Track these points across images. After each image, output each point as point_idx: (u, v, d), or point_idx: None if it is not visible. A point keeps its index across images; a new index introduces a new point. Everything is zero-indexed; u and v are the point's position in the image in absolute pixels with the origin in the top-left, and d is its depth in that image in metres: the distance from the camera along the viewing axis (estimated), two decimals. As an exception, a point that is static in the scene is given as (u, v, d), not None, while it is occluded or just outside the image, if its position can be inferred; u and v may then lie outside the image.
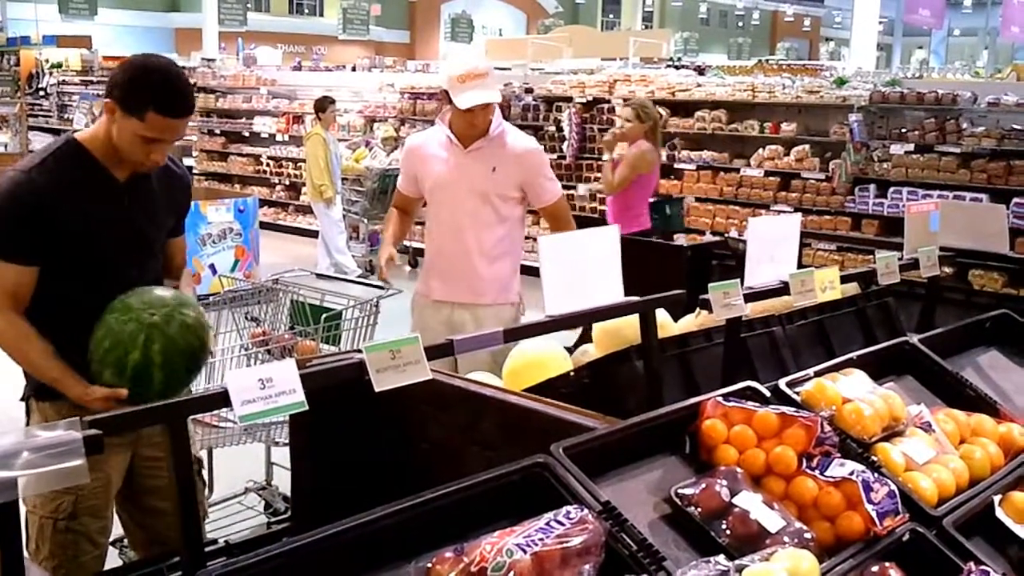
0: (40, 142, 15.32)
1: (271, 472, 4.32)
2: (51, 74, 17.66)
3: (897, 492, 1.89)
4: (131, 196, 2.64)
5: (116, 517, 2.89)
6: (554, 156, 10.45)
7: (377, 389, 1.86)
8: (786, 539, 1.72)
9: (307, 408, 1.79)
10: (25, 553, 1.58)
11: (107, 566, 2.76)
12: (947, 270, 3.94)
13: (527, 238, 11.27)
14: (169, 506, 2.69)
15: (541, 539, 1.51)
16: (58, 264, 2.54)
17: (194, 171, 11.74)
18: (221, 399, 1.77)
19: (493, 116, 3.81)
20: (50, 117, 17.04)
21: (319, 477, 2.70)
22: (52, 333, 2.55)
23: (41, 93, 17.64)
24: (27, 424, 2.72)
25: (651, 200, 6.88)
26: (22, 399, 2.74)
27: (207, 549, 2.31)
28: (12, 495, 1.41)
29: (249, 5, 22.66)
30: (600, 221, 9.36)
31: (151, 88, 2.46)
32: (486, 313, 3.84)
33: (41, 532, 2.60)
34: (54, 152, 2.59)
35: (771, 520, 1.76)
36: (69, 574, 2.61)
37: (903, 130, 8.39)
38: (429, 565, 1.51)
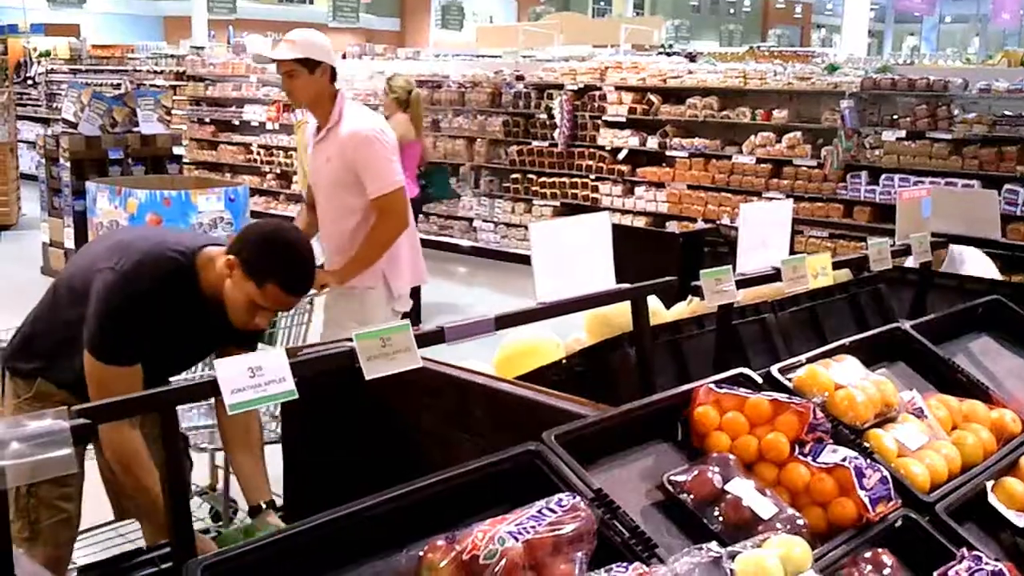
0: (29, 131, 15.23)
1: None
2: (39, 63, 17.54)
3: (889, 478, 1.89)
4: (213, 324, 2.57)
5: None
6: (545, 144, 10.44)
7: (368, 377, 1.85)
8: (779, 525, 1.72)
9: (297, 396, 1.78)
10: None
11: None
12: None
13: (518, 226, 11.17)
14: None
15: (533, 527, 1.51)
16: None
17: (184, 160, 11.66)
18: (211, 388, 1.76)
19: (305, 86, 3.75)
20: (39, 106, 16.93)
21: (311, 466, 2.70)
22: (61, 340, 2.61)
23: (29, 82, 17.52)
24: (1, 393, 2.78)
25: (423, 169, 7.75)
26: None
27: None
28: (0, 484, 1.41)
29: (238, -8, 22.51)
30: (590, 208, 9.35)
31: (279, 262, 2.43)
32: (340, 295, 3.84)
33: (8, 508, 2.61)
34: (171, 272, 2.53)
35: (763, 507, 1.76)
36: (31, 539, 2.65)
37: (895, 116, 8.39)
38: (421, 553, 1.50)
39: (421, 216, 11.58)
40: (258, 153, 13.61)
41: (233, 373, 1.73)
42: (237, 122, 14.01)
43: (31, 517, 2.65)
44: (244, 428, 2.68)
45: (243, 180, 12.86)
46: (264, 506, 2.55)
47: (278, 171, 13.34)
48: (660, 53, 14.44)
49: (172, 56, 15.95)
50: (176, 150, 9.81)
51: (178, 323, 2.55)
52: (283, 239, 2.48)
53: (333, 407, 2.50)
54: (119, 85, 13.97)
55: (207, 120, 14.43)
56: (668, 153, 9.72)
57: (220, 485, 4.03)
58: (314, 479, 2.65)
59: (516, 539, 1.48)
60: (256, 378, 1.74)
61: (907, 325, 2.66)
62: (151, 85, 14.42)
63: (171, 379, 2.79)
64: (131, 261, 2.50)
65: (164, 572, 2.20)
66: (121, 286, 2.47)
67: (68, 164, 8.49)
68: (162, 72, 15.24)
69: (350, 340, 1.89)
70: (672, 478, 1.83)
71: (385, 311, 3.90)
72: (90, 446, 2.80)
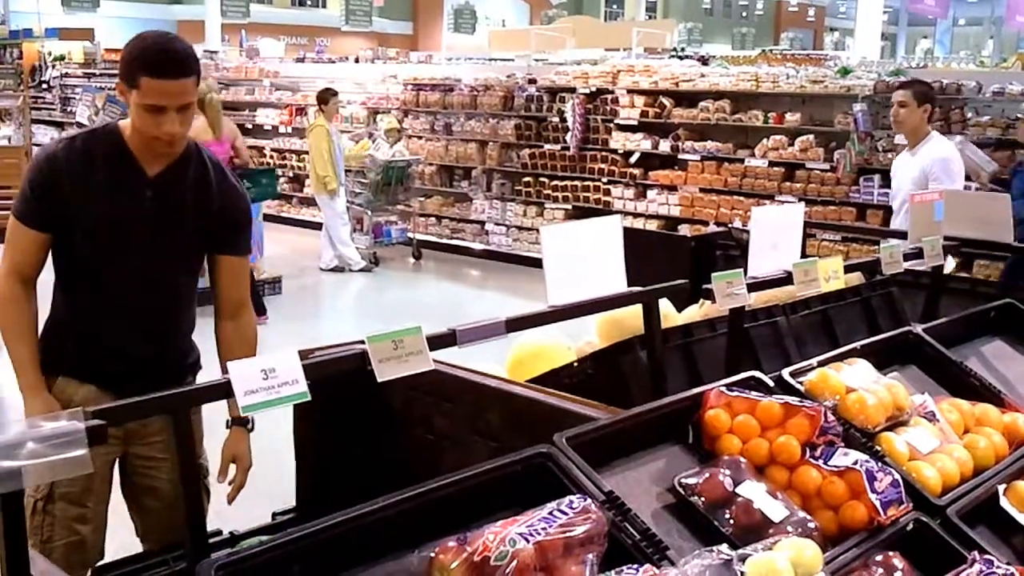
0: (43, 135, 15.32)
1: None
2: (54, 67, 17.64)
3: (901, 481, 1.89)
4: (156, 191, 2.57)
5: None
6: (557, 147, 10.44)
7: (380, 379, 1.86)
8: (789, 528, 1.72)
9: (310, 398, 1.79)
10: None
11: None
12: (951, 260, 3.93)
13: (530, 229, 11.17)
14: (163, 506, 2.71)
15: (544, 528, 1.51)
16: (72, 248, 2.55)
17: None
18: (224, 389, 1.77)
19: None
20: (53, 110, 17.02)
21: (323, 468, 2.71)
22: (61, 321, 2.62)
23: (44, 86, 17.61)
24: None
25: (246, 170, 8.15)
26: None
27: (212, 540, 2.32)
28: (16, 485, 1.42)
29: (251, -3, 22.58)
30: (602, 211, 9.35)
31: (140, 54, 2.44)
32: None
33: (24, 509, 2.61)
34: (91, 132, 2.62)
35: (774, 510, 1.76)
36: (43, 554, 2.60)
37: (908, 120, 8.35)
38: (432, 555, 1.50)
39: (432, 219, 11.64)
40: (271, 156, 13.66)
41: (246, 375, 1.74)
42: (250, 126, 14.07)
43: (43, 536, 2.62)
44: (240, 341, 2.73)
45: (256, 183, 12.87)
46: (238, 422, 2.62)
47: (291, 175, 13.38)
48: (672, 56, 14.44)
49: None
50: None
51: (104, 197, 2.53)
52: (142, 36, 2.50)
53: (346, 409, 2.51)
54: (133, 89, 13.99)
55: (220, 124, 14.46)
56: (680, 156, 9.72)
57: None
58: (327, 481, 2.66)
59: (527, 541, 1.48)
60: (269, 380, 1.75)
61: (919, 328, 2.66)
62: (165, 89, 14.44)
63: (138, 282, 2.62)
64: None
65: (178, 572, 2.22)
66: (45, 147, 2.59)
67: (82, 167, 8.55)
68: (176, 76, 15.26)
69: (362, 342, 1.90)
70: (683, 481, 1.84)
71: None
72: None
